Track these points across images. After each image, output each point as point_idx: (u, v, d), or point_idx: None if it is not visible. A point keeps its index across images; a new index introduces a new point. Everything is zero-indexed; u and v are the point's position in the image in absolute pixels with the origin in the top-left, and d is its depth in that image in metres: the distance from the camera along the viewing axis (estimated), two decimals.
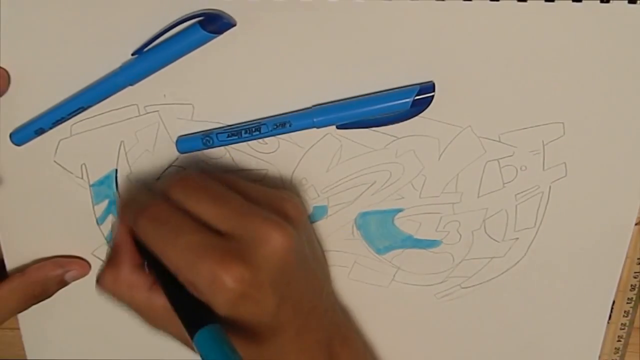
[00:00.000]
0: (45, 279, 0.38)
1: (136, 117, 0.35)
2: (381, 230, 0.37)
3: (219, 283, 0.28)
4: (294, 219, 0.31)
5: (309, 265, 0.32)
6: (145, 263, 0.33)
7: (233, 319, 0.29)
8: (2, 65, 0.34)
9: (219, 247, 0.29)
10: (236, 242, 0.29)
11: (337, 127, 0.34)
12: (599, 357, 0.41)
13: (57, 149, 0.36)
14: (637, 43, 0.32)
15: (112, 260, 0.33)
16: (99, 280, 0.33)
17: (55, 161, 0.36)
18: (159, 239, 0.30)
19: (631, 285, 0.39)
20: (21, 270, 0.38)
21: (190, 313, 0.29)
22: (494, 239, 0.37)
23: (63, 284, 0.38)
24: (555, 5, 0.31)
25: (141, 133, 0.35)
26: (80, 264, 0.39)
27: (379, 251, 0.38)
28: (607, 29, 0.31)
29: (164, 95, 0.34)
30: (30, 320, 0.41)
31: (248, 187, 0.32)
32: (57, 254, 0.39)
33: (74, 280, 0.39)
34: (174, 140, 0.35)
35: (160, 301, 0.32)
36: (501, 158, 0.35)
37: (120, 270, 0.33)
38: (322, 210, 0.37)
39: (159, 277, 0.32)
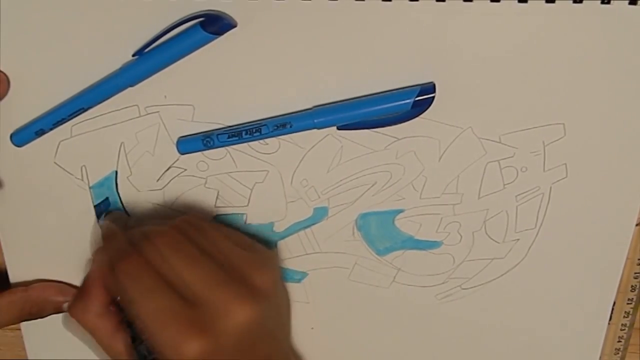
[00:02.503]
0: (45, 301, 0.38)
1: (137, 118, 0.35)
2: (382, 232, 0.37)
3: (180, 352, 0.29)
4: (262, 290, 0.32)
5: (272, 334, 0.33)
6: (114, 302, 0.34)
7: None
8: (2, 66, 0.34)
9: (184, 316, 0.30)
10: (201, 311, 0.30)
11: (338, 128, 0.34)
12: (600, 357, 0.41)
13: (57, 150, 0.36)
14: (638, 44, 0.32)
15: (82, 294, 0.34)
16: (69, 311, 0.34)
17: (55, 162, 0.36)
18: (130, 294, 0.31)
19: (631, 286, 0.39)
20: (25, 283, 0.39)
21: None
22: (494, 240, 0.37)
23: (59, 310, 0.39)
24: (556, 6, 0.31)
25: (142, 134, 0.35)
26: None
27: (379, 252, 0.38)
28: (607, 30, 0.31)
29: (165, 96, 0.34)
30: (32, 321, 0.41)
31: (224, 247, 0.33)
32: (56, 255, 0.39)
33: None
34: (175, 141, 0.35)
35: (120, 346, 0.33)
36: (502, 159, 0.35)
37: (90, 304, 0.33)
38: (323, 212, 0.37)
39: (124, 321, 0.33)
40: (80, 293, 0.34)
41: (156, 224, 0.34)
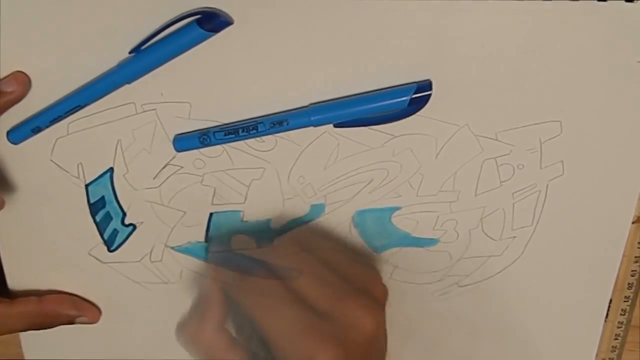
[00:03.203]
0: (58, 314, 0.38)
1: (133, 115, 0.35)
2: (378, 229, 0.37)
3: None
4: (381, 301, 0.33)
5: (383, 344, 0.34)
6: (230, 321, 0.34)
7: None
8: (0, 64, 0.34)
9: (319, 328, 0.30)
10: (333, 323, 0.31)
11: (335, 126, 0.34)
12: (597, 355, 0.41)
13: (53, 147, 0.36)
14: (634, 41, 0.32)
15: (199, 314, 0.34)
16: (183, 330, 0.35)
17: (51, 160, 0.36)
18: (262, 308, 0.31)
19: (628, 283, 0.39)
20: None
21: None
22: (491, 238, 0.37)
23: (71, 323, 0.39)
24: (553, 3, 0.31)
25: (138, 131, 0.35)
26: (94, 312, 0.40)
27: (376, 249, 0.38)
28: (604, 27, 0.32)
29: (161, 94, 0.34)
30: None
31: (342, 260, 0.34)
32: (54, 254, 0.39)
33: (80, 324, 0.39)
34: (171, 138, 0.35)
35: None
36: (498, 156, 0.35)
37: (205, 326, 0.34)
38: (320, 209, 0.37)
39: (242, 337, 0.33)
40: (195, 315, 0.34)
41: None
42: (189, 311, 0.37)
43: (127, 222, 0.38)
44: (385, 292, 0.34)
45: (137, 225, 0.38)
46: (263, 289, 0.32)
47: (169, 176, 0.36)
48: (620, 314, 0.40)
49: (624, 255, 0.38)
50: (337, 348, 0.30)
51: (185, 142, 0.35)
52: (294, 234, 0.36)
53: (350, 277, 0.33)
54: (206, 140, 0.35)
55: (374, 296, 0.33)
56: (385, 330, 0.34)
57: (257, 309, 0.31)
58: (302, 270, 0.32)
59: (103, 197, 0.37)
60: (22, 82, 0.34)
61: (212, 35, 0.32)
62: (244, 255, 0.37)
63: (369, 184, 0.36)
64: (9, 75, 0.33)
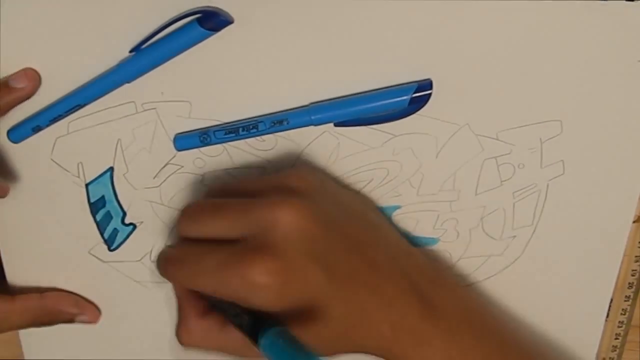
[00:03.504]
0: (60, 312, 0.38)
1: (133, 114, 0.35)
2: None
3: (253, 284, 0.28)
4: (301, 189, 0.31)
5: (343, 222, 0.31)
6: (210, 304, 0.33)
7: (291, 309, 0.29)
8: (0, 63, 0.34)
9: (238, 252, 0.29)
10: (250, 239, 0.29)
11: (335, 125, 0.34)
12: (597, 354, 0.41)
13: (54, 146, 0.36)
14: (635, 41, 0.32)
15: (179, 317, 0.34)
16: (177, 337, 0.34)
17: (52, 159, 0.36)
18: (189, 277, 0.30)
19: (629, 283, 0.39)
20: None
21: (250, 327, 0.29)
22: (491, 237, 0.37)
23: (71, 321, 0.39)
24: (552, 3, 0.31)
25: (138, 131, 0.35)
26: (93, 311, 0.40)
27: None
28: (605, 27, 0.32)
29: (162, 93, 0.34)
30: None
31: (248, 184, 0.33)
32: (54, 253, 0.39)
33: (80, 323, 0.39)
34: (172, 137, 0.35)
35: (235, 335, 0.31)
36: (499, 156, 0.35)
37: (188, 322, 0.33)
38: None
39: (217, 309, 0.32)
40: (178, 320, 0.34)
41: None
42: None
43: (127, 221, 0.38)
44: (306, 181, 0.31)
45: (137, 224, 0.38)
46: (181, 259, 0.31)
47: (169, 175, 0.36)
48: (621, 314, 0.40)
49: (624, 255, 0.38)
50: (262, 259, 0.28)
51: (185, 141, 0.35)
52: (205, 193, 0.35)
53: (256, 190, 0.31)
54: (206, 139, 0.35)
55: (288, 189, 0.30)
56: (343, 207, 0.32)
57: (188, 279, 0.30)
58: (204, 215, 0.31)
59: (103, 197, 0.37)
60: (33, 79, 0.33)
61: (213, 34, 0.32)
62: None
63: (369, 183, 0.36)
64: (19, 71, 0.33)
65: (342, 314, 0.29)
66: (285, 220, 0.29)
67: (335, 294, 0.29)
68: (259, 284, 0.28)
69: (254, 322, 0.29)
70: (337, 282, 0.29)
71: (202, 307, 0.33)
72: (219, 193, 0.33)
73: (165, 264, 0.33)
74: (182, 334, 0.33)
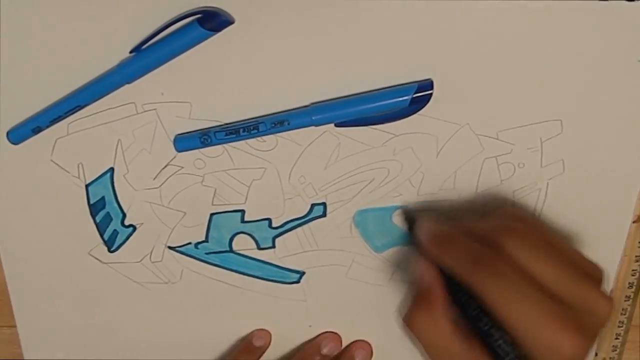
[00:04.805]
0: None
1: (133, 115, 0.35)
2: (379, 228, 0.37)
3: (559, 351, 0.28)
4: (602, 283, 0.31)
5: None
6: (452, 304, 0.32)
7: None
8: (0, 64, 0.33)
9: (562, 315, 0.29)
10: (574, 309, 0.29)
11: (336, 125, 0.34)
12: (597, 354, 0.41)
13: (54, 147, 0.36)
14: (634, 41, 0.32)
15: (423, 303, 0.32)
16: (408, 320, 0.32)
17: (52, 160, 0.36)
18: (501, 295, 0.29)
19: (629, 282, 0.39)
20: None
21: None
22: None
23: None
24: (552, 3, 0.31)
25: (138, 131, 0.35)
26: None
27: (377, 249, 0.38)
28: (605, 26, 0.32)
29: (162, 94, 0.34)
30: (28, 319, 0.41)
31: (562, 244, 0.32)
32: (54, 254, 0.38)
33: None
34: (172, 138, 0.35)
35: (458, 348, 0.31)
36: (499, 155, 0.35)
37: (431, 314, 0.32)
38: (321, 208, 0.37)
39: (469, 317, 0.31)
40: (419, 305, 0.32)
41: (475, 218, 0.34)
42: (410, 300, 0.34)
43: (127, 222, 0.38)
44: (601, 271, 0.31)
45: (137, 226, 0.38)
46: (501, 274, 0.29)
47: (170, 176, 0.36)
48: (621, 313, 0.40)
49: (624, 255, 0.38)
50: (580, 337, 0.28)
51: (185, 142, 0.35)
52: (517, 214, 0.34)
53: (575, 259, 0.31)
54: (207, 140, 0.35)
55: (596, 277, 0.31)
56: None
57: (497, 296, 0.29)
58: (540, 253, 0.30)
59: (103, 198, 0.37)
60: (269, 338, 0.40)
61: (213, 34, 0.32)
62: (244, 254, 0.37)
63: (369, 183, 0.36)
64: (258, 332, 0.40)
65: None
66: (604, 317, 0.29)
67: None
68: (563, 354, 0.28)
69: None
70: None
71: (446, 304, 0.32)
72: (536, 230, 0.32)
73: (477, 264, 0.30)
74: (419, 321, 0.32)
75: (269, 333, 0.40)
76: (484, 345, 0.30)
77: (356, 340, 0.41)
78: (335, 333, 0.41)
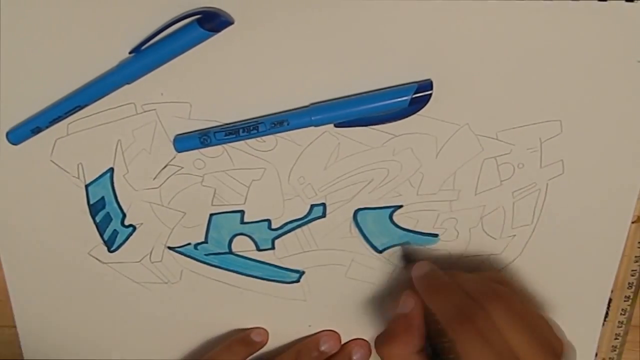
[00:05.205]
0: None
1: (133, 115, 0.35)
2: (379, 228, 0.37)
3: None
4: (560, 357, 0.32)
5: None
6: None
7: None
8: (0, 64, 0.34)
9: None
10: None
11: (335, 125, 0.34)
12: (597, 354, 0.41)
13: (53, 148, 0.36)
14: (634, 41, 0.32)
15: (402, 334, 0.34)
16: (382, 346, 0.34)
17: (51, 160, 0.36)
18: (475, 356, 0.30)
19: (628, 283, 0.39)
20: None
21: None
22: (491, 236, 0.37)
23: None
24: (552, 3, 0.31)
25: (138, 132, 0.35)
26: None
27: (376, 249, 0.38)
28: (605, 27, 0.32)
29: (162, 94, 0.34)
30: (28, 319, 0.41)
31: (534, 316, 0.33)
32: (54, 254, 0.38)
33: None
34: (172, 138, 0.35)
35: None
36: (498, 156, 0.35)
37: (404, 349, 0.33)
38: (320, 209, 0.37)
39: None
40: (395, 335, 0.34)
41: (467, 272, 0.35)
42: (387, 326, 0.37)
43: (126, 223, 0.38)
44: (562, 347, 0.32)
45: (137, 226, 0.38)
46: (485, 337, 0.30)
47: (169, 177, 0.36)
48: (621, 314, 0.40)
49: (624, 255, 0.38)
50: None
51: (185, 142, 0.35)
52: (503, 279, 0.35)
53: (544, 333, 0.32)
54: (207, 140, 0.35)
55: (559, 353, 0.32)
56: None
57: (470, 354, 0.30)
58: (517, 324, 0.31)
59: (103, 198, 0.37)
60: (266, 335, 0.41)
61: (213, 35, 0.32)
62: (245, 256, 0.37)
63: (369, 183, 0.36)
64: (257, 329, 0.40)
65: None
66: None
67: None
68: None
69: None
70: None
71: (423, 342, 0.34)
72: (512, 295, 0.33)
73: (465, 320, 0.31)
74: (391, 353, 0.34)
75: (268, 333, 0.41)
76: None
77: (355, 339, 0.41)
78: (335, 332, 0.41)
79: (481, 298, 0.32)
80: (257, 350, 0.41)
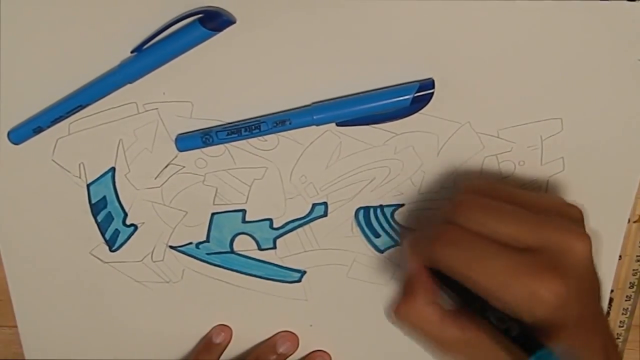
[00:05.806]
0: None
1: (135, 115, 0.35)
2: (380, 227, 0.37)
3: (538, 298, 0.28)
4: (580, 221, 0.31)
5: (596, 268, 0.31)
6: (442, 290, 0.32)
7: (541, 326, 0.29)
8: (1, 64, 0.34)
9: (530, 264, 0.29)
10: (543, 255, 0.29)
11: (337, 124, 0.34)
12: None
13: (55, 147, 0.36)
14: (634, 41, 0.32)
15: (407, 293, 0.33)
16: (395, 311, 0.33)
17: (53, 160, 0.36)
18: (464, 265, 0.30)
19: (630, 282, 0.39)
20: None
21: (520, 335, 0.29)
22: None
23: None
24: (553, 3, 0.31)
25: (140, 131, 0.35)
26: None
27: (378, 248, 0.38)
28: (605, 25, 0.32)
29: (163, 93, 0.34)
30: (29, 319, 0.41)
31: (526, 196, 0.32)
32: (55, 253, 0.38)
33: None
34: (173, 138, 0.35)
35: (451, 332, 0.31)
36: (499, 153, 0.35)
37: (414, 303, 0.32)
38: (322, 208, 0.37)
39: (464, 301, 0.31)
40: (404, 295, 0.33)
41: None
42: (398, 291, 0.36)
43: (128, 222, 0.38)
44: (581, 211, 0.31)
45: (139, 225, 0.38)
46: (459, 244, 0.30)
47: (171, 176, 0.36)
48: (622, 313, 0.40)
49: (625, 255, 0.38)
50: (556, 278, 0.28)
51: (187, 141, 0.35)
52: (470, 186, 0.33)
53: (542, 206, 0.31)
54: (209, 139, 0.35)
55: (573, 217, 0.31)
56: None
57: (461, 267, 0.29)
58: (491, 215, 0.30)
59: (104, 197, 0.37)
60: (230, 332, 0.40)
61: (215, 34, 0.32)
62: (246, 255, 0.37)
63: (370, 182, 0.36)
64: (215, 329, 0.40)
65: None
66: (580, 251, 0.29)
67: (570, 331, 0.29)
68: (543, 299, 0.28)
69: (522, 332, 0.29)
70: (580, 323, 0.30)
71: (431, 292, 0.32)
72: (491, 193, 0.32)
73: (435, 240, 0.31)
74: (402, 311, 0.32)
75: (230, 328, 0.41)
76: (485, 328, 0.30)
77: (316, 350, 0.41)
78: (293, 333, 0.41)
79: (444, 216, 0.31)
80: (223, 350, 0.41)
